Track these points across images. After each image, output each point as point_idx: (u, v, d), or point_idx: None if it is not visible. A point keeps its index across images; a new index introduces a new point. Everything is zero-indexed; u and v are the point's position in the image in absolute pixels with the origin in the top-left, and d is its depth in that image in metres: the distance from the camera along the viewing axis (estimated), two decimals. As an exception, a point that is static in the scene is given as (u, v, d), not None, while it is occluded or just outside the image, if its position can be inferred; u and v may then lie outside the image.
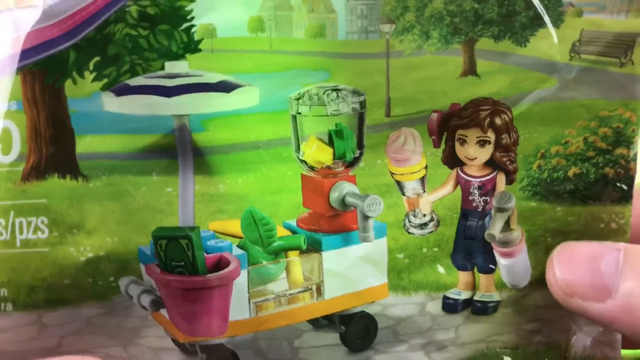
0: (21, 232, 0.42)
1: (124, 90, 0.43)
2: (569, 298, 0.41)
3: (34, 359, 0.40)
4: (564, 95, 0.44)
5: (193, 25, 0.43)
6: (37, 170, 0.43)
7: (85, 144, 0.43)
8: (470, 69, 0.44)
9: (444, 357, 0.45)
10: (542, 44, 0.43)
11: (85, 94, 0.43)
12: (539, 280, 0.47)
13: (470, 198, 0.46)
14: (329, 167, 0.46)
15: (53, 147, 0.43)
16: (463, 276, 0.47)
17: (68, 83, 0.42)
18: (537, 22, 0.43)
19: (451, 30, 0.44)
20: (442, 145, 0.46)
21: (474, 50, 0.44)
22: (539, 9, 0.43)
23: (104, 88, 0.43)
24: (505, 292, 0.47)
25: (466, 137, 0.45)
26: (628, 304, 0.38)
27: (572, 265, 0.41)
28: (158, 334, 0.45)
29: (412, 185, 0.46)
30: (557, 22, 0.43)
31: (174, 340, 0.46)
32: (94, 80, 0.43)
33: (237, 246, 0.45)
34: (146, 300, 0.43)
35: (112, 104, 0.43)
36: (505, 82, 0.44)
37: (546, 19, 0.43)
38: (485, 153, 0.45)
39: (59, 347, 0.44)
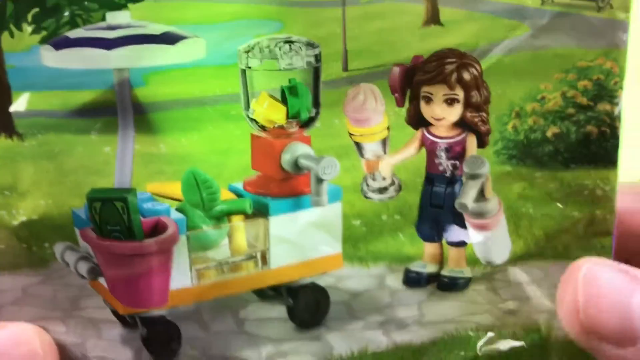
0: None
1: (63, 43, 0.37)
2: (589, 339, 0.32)
3: None
4: (536, 44, 0.36)
5: None
6: None
7: (20, 102, 0.37)
8: (433, 18, 0.36)
9: (405, 338, 0.35)
10: None
11: (23, 47, 0.37)
12: (518, 256, 0.38)
13: (436, 161, 0.37)
14: (281, 127, 0.38)
15: None
16: (429, 248, 0.38)
17: (5, 36, 0.37)
18: (506, -37, 0.35)
19: (411, -25, 0.36)
20: (406, 104, 0.37)
21: (436, -4, 0.36)
22: None
23: (43, 41, 0.37)
24: (479, 269, 0.37)
25: (432, 94, 0.36)
26: None
27: (599, 305, 0.32)
28: (97, 304, 0.38)
29: (372, 147, 0.38)
30: (529, -40, 0.35)
31: (114, 312, 0.38)
32: (32, 32, 0.37)
33: (176, 209, 0.37)
34: (83, 268, 0.36)
35: (51, 58, 0.37)
36: (471, 31, 0.36)
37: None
38: (454, 112, 0.37)
39: None
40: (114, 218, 0.35)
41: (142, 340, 0.36)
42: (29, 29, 0.37)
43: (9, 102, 0.37)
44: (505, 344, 0.35)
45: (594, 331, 0.32)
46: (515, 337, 0.36)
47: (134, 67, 0.37)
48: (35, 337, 0.35)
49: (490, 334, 0.35)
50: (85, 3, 0.37)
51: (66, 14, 0.37)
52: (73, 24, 0.37)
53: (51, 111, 0.38)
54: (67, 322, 0.37)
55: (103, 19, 0.37)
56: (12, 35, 0.37)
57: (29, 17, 0.37)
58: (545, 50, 0.36)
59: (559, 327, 0.34)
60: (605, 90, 0.35)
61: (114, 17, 0.37)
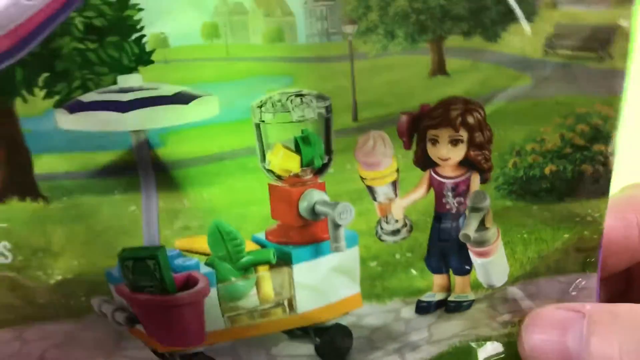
0: None
1: (77, 107, 0.36)
2: None
3: None
4: (538, 93, 0.36)
5: (143, 36, 0.36)
6: None
7: (42, 164, 0.37)
8: (440, 68, 0.36)
9: (417, 357, 0.39)
10: (515, 39, 0.35)
11: (37, 112, 0.36)
12: (515, 277, 0.40)
13: (444, 200, 0.39)
14: (297, 175, 0.38)
15: (10, 169, 0.37)
16: (438, 279, 0.41)
17: (18, 101, 0.36)
18: (508, 17, 0.35)
19: (417, 29, 0.36)
20: (414, 147, 0.38)
21: (442, 48, 0.36)
22: (510, 2, 0.35)
23: (57, 105, 0.36)
24: (482, 292, 0.40)
25: (438, 137, 0.37)
26: None
27: (541, 339, 0.36)
28: (138, 345, 0.40)
29: (383, 190, 0.39)
30: (530, 15, 0.35)
31: (154, 351, 0.39)
32: (45, 97, 0.36)
33: (205, 263, 0.38)
34: (121, 317, 0.37)
35: (66, 121, 0.36)
36: (476, 81, 0.36)
37: (518, 12, 0.35)
38: (459, 152, 0.38)
39: None
40: (146, 275, 0.36)
41: (182, 374, 0.37)
42: (41, 93, 0.36)
43: (30, 165, 0.37)
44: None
45: (533, 356, 0.35)
46: (510, 345, 0.39)
47: (150, 128, 0.36)
48: None
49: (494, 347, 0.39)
50: (96, 67, 0.36)
51: (77, 78, 0.36)
52: (85, 88, 0.36)
53: (72, 173, 0.38)
54: (113, 360, 0.37)
55: (114, 82, 0.36)
56: (25, 100, 0.36)
57: (40, 81, 0.36)
58: (546, 98, 0.37)
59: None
60: (602, 133, 0.37)
61: (126, 81, 0.36)
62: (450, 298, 0.40)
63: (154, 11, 0.34)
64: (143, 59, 0.36)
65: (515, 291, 0.40)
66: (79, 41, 0.36)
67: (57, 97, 0.37)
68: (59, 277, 0.38)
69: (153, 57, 0.36)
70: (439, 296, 0.40)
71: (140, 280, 0.36)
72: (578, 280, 0.39)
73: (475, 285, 0.40)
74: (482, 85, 0.36)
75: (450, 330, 0.39)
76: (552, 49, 0.35)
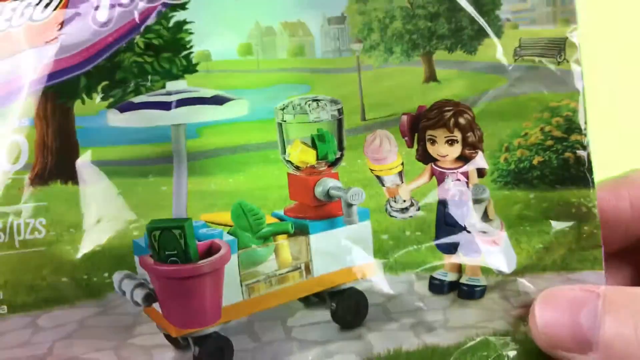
0: (19, 234, 0.39)
1: (128, 107, 0.42)
2: (552, 350, 0.35)
3: None
4: (515, 91, 0.44)
5: (191, 52, 0.43)
6: (40, 177, 0.40)
7: (87, 155, 0.41)
8: (431, 76, 0.44)
9: (434, 340, 0.38)
10: (489, 50, 0.44)
11: (92, 112, 0.42)
12: (524, 267, 0.42)
13: (446, 187, 0.43)
14: (312, 167, 0.43)
15: (58, 157, 0.41)
16: (449, 258, 0.42)
17: (77, 103, 0.42)
18: (482, 34, 0.44)
19: (411, 46, 0.45)
20: (415, 145, 0.44)
21: (432, 60, 0.44)
22: (481, 23, 0.45)
23: (110, 106, 0.42)
24: (492, 278, 0.41)
25: (435, 137, 0.44)
26: (609, 356, 0.33)
27: (553, 317, 0.35)
28: (151, 330, 0.39)
29: (390, 178, 0.43)
30: (498, 33, 0.44)
31: (167, 336, 0.39)
32: (101, 100, 0.42)
33: (228, 233, 0.41)
34: (139, 294, 0.38)
35: (116, 119, 0.42)
36: (462, 85, 0.44)
37: (488, 30, 0.45)
38: (455, 150, 0.43)
39: (49, 355, 0.38)
40: (171, 244, 0.37)
41: None
42: (98, 97, 0.42)
43: (77, 156, 0.41)
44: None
45: (553, 343, 0.34)
46: (527, 341, 0.38)
47: (189, 122, 0.42)
48: None
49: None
50: (149, 76, 0.43)
51: (132, 84, 0.42)
52: (137, 93, 0.42)
53: (113, 161, 0.42)
54: (120, 353, 0.38)
55: (163, 87, 0.43)
56: (83, 102, 0.41)
57: (99, 88, 0.42)
58: (522, 95, 0.43)
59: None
60: (575, 124, 0.43)
61: (173, 85, 0.43)
62: (462, 280, 0.41)
63: (202, 34, 0.44)
64: (189, 69, 0.44)
65: (526, 284, 0.41)
66: (139, 56, 0.43)
67: (111, 100, 0.43)
68: (86, 251, 0.40)
69: (197, 68, 0.43)
70: (451, 276, 0.42)
71: (165, 249, 0.38)
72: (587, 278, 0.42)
73: (485, 270, 0.42)
74: (467, 89, 0.44)
75: (465, 318, 0.40)
76: (520, 57, 0.45)
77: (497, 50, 0.43)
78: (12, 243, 0.38)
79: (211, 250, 0.39)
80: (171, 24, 0.42)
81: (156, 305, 0.38)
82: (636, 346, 0.31)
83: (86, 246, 0.39)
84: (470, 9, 0.43)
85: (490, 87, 0.42)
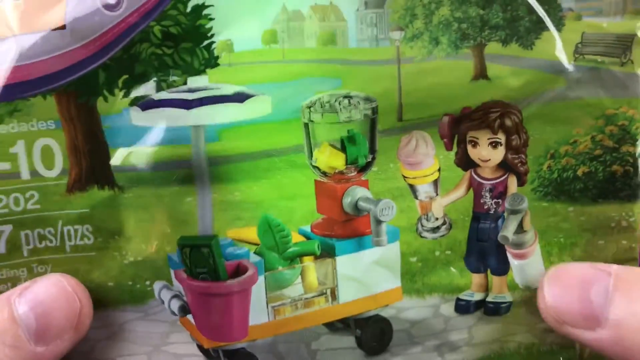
0: (70, 239, 0.39)
1: (148, 105, 0.39)
2: (560, 325, 0.34)
3: None
4: (571, 95, 0.38)
5: (213, 42, 0.38)
6: (79, 183, 0.39)
7: (117, 158, 0.39)
8: (481, 73, 0.38)
9: (457, 358, 0.38)
10: (547, 46, 0.37)
11: (116, 110, 0.39)
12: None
13: (482, 201, 0.39)
14: (341, 173, 0.39)
15: (91, 161, 0.39)
16: (476, 278, 0.41)
17: (100, 101, 0.38)
18: (540, 26, 0.37)
19: (459, 36, 0.38)
20: (455, 148, 0.39)
21: (483, 54, 0.38)
22: (540, 14, 0.37)
23: (132, 103, 0.38)
24: (518, 293, 0.40)
25: (477, 139, 0.39)
26: (617, 334, 0.32)
27: (562, 292, 0.34)
28: (185, 340, 0.40)
29: (424, 189, 0.39)
30: (558, 25, 0.37)
31: (199, 346, 0.40)
32: (123, 97, 0.39)
33: (254, 253, 0.39)
34: (175, 305, 0.38)
35: (138, 117, 0.38)
36: (515, 85, 0.38)
37: (548, 22, 0.37)
38: (498, 154, 0.39)
39: (91, 353, 0.39)
40: (201, 262, 0.37)
41: (224, 372, 0.36)
42: (120, 93, 0.38)
43: (108, 158, 0.38)
44: None
45: (560, 317, 0.34)
46: (552, 354, 0.38)
47: (209, 124, 0.38)
48: (69, 287, 0.36)
49: None
50: (170, 70, 0.38)
51: (153, 80, 0.38)
52: (159, 88, 0.39)
53: (140, 166, 0.39)
54: (153, 358, 0.39)
55: (185, 83, 0.38)
56: (106, 99, 0.38)
57: (120, 83, 0.38)
58: (578, 100, 0.38)
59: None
60: (629, 135, 0.38)
61: (194, 81, 0.38)
62: (489, 299, 0.40)
63: (223, 20, 0.37)
64: (211, 62, 0.39)
65: None
66: (157, 47, 0.38)
67: (133, 97, 0.39)
68: (131, 259, 0.39)
69: (219, 61, 0.38)
70: (477, 296, 0.40)
71: (196, 266, 0.37)
72: None
73: (512, 286, 0.39)
74: (521, 89, 0.38)
75: (490, 334, 0.39)
76: (581, 54, 0.37)
77: (557, 45, 0.37)
78: (63, 247, 0.39)
79: (239, 270, 0.38)
80: (189, 8, 0.37)
81: (190, 317, 0.38)
82: None
83: (130, 254, 0.39)
84: None
85: (545, 89, 0.38)
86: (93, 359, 0.39)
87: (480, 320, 0.39)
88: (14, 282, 0.39)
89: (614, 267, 0.34)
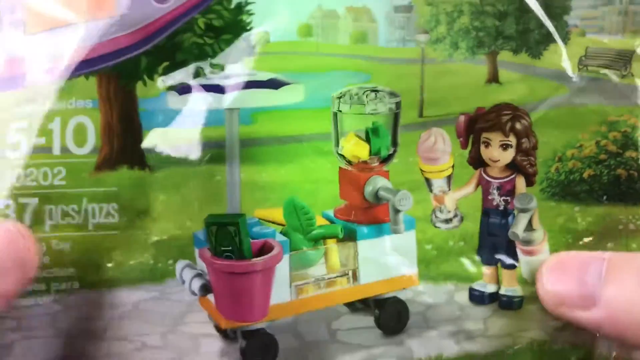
0: (93, 217, 0.39)
1: (186, 89, 0.40)
2: (558, 307, 0.36)
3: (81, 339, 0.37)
4: (575, 102, 0.41)
5: (251, 34, 0.41)
6: (108, 162, 0.40)
7: (149, 139, 0.40)
8: (494, 77, 0.42)
9: (473, 348, 0.39)
10: (554, 57, 0.41)
11: (153, 94, 0.40)
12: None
13: (490, 197, 0.42)
14: (365, 162, 0.41)
15: (123, 141, 0.40)
16: (487, 270, 0.42)
17: (139, 85, 0.40)
18: (548, 39, 0.42)
19: (476, 43, 0.42)
20: (469, 147, 0.42)
21: (496, 61, 0.42)
22: (549, 27, 0.41)
23: (170, 88, 0.40)
24: (529, 288, 0.41)
25: (490, 140, 0.42)
26: (611, 312, 0.34)
27: (560, 276, 0.37)
28: (201, 320, 0.40)
29: (439, 183, 0.42)
30: (564, 39, 0.42)
31: (217, 327, 0.40)
32: (162, 82, 0.40)
33: (280, 233, 0.40)
34: (197, 284, 0.38)
35: (175, 101, 0.40)
36: (524, 90, 0.42)
37: (556, 36, 0.41)
38: (508, 156, 0.42)
39: (105, 331, 0.39)
40: (227, 240, 0.37)
41: (240, 353, 0.38)
42: (159, 79, 0.40)
43: (141, 140, 0.40)
44: None
45: (558, 300, 0.36)
46: (563, 353, 0.39)
47: (244, 107, 0.40)
48: (11, 227, 0.35)
49: None
50: (209, 59, 0.40)
51: (192, 66, 0.40)
52: (197, 75, 0.40)
53: (172, 146, 0.40)
54: (167, 338, 0.38)
55: (222, 70, 0.40)
56: (145, 84, 0.40)
57: (160, 69, 0.40)
58: (582, 107, 0.41)
59: (602, 345, 0.38)
60: (631, 140, 0.41)
61: (231, 68, 0.40)
62: (501, 291, 0.42)
63: (262, 15, 0.40)
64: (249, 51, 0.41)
65: None
66: (199, 37, 0.40)
67: (171, 82, 0.40)
68: (155, 238, 0.39)
69: (256, 50, 0.40)
70: (490, 287, 0.41)
71: (222, 244, 0.37)
72: None
73: (522, 281, 0.41)
74: (528, 94, 0.41)
75: (504, 328, 0.40)
76: (584, 66, 0.41)
77: (563, 57, 0.40)
78: (86, 225, 0.39)
79: (264, 248, 0.38)
80: (233, 4, 0.40)
81: (210, 297, 0.38)
82: (637, 301, 0.33)
83: (155, 233, 0.39)
84: (539, 12, 0.40)
85: (551, 95, 0.41)
86: (106, 337, 0.38)
87: (495, 312, 0.40)
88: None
89: (608, 253, 0.36)
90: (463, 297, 0.41)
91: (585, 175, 0.41)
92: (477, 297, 0.41)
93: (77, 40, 0.39)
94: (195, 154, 0.39)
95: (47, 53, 0.39)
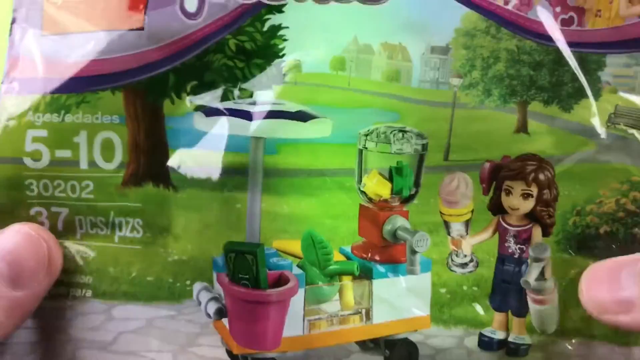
0: (120, 229, 0.39)
1: (213, 112, 0.40)
2: (602, 315, 0.36)
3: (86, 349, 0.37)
4: (600, 158, 0.41)
5: (283, 61, 0.40)
6: (135, 178, 0.40)
7: (175, 158, 0.40)
8: (523, 127, 0.41)
9: None
10: (584, 112, 0.41)
11: (180, 113, 0.40)
12: (569, 330, 0.42)
13: (506, 245, 0.42)
14: (385, 201, 0.41)
15: (150, 158, 0.40)
16: (498, 316, 0.43)
17: (166, 102, 0.39)
18: (580, 93, 0.41)
19: (509, 91, 0.41)
20: (490, 193, 0.42)
21: (526, 110, 0.41)
22: (582, 82, 0.41)
23: (197, 109, 0.40)
24: (536, 337, 0.41)
25: (512, 188, 0.41)
26: None
27: (596, 285, 0.37)
28: (214, 343, 0.40)
29: (457, 227, 0.42)
30: (596, 95, 0.41)
31: (228, 352, 0.40)
32: (190, 102, 0.40)
33: (297, 266, 0.40)
34: (212, 307, 0.38)
35: (202, 123, 0.40)
36: (551, 142, 0.41)
37: (588, 91, 0.41)
38: (528, 205, 0.42)
39: (113, 344, 0.39)
40: (245, 268, 0.37)
41: (250, 379, 0.37)
42: (187, 99, 0.39)
43: (167, 158, 0.39)
44: None
45: (598, 307, 0.36)
46: None
47: (270, 137, 0.39)
48: (33, 232, 0.36)
49: None
50: (238, 84, 0.39)
51: (221, 88, 0.39)
52: (225, 98, 0.40)
53: (196, 168, 0.40)
54: (178, 357, 0.39)
55: (250, 95, 0.40)
56: (172, 102, 0.39)
57: (188, 88, 0.39)
58: (606, 164, 0.41)
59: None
60: (651, 203, 0.41)
61: (260, 95, 0.40)
62: (510, 339, 0.42)
63: (296, 43, 0.39)
64: (278, 79, 0.40)
65: (567, 347, 0.42)
66: (229, 59, 0.40)
67: (199, 102, 0.40)
68: (175, 257, 0.40)
69: (287, 79, 0.40)
70: (499, 334, 0.42)
71: (239, 272, 0.38)
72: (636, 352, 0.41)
73: (530, 329, 0.41)
74: (555, 147, 0.41)
75: None
76: (613, 124, 0.41)
77: (592, 113, 0.40)
78: (113, 237, 0.40)
79: (280, 280, 0.39)
80: (266, 27, 0.39)
81: (225, 321, 0.39)
82: None
83: (175, 252, 0.40)
84: (574, 65, 0.39)
85: (577, 150, 0.41)
86: (112, 350, 0.38)
87: (502, 359, 0.40)
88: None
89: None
90: (472, 342, 0.41)
91: (601, 230, 0.41)
92: (486, 344, 0.41)
93: (100, 51, 0.37)
94: (217, 178, 0.39)
95: (67, 59, 0.38)
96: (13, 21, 0.39)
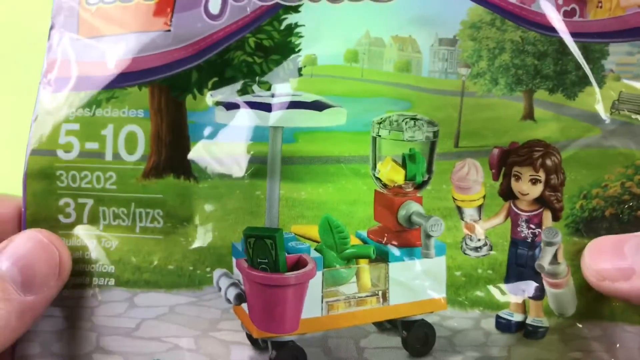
0: (141, 220, 0.40)
1: (233, 105, 0.41)
2: (601, 282, 0.38)
3: (110, 336, 0.38)
4: (605, 144, 0.42)
5: (299, 56, 0.42)
6: (156, 170, 0.41)
7: (196, 150, 0.41)
8: (529, 114, 0.43)
9: None
10: (588, 99, 0.42)
11: (202, 107, 0.41)
12: (582, 313, 0.43)
13: (518, 229, 0.43)
14: (400, 187, 0.42)
15: (171, 151, 0.41)
16: (514, 299, 0.43)
17: (189, 98, 0.41)
18: (584, 81, 0.43)
19: (515, 80, 0.43)
20: (500, 179, 0.43)
21: (532, 99, 0.43)
22: (586, 70, 0.42)
23: (217, 104, 0.41)
24: (554, 319, 0.42)
25: (521, 174, 0.43)
26: None
27: (600, 254, 0.39)
28: (234, 327, 0.40)
29: (470, 212, 0.43)
30: (600, 83, 0.43)
31: (248, 336, 0.40)
32: (211, 96, 0.41)
33: (315, 249, 0.41)
34: (232, 293, 0.39)
35: (222, 116, 0.41)
36: (557, 129, 0.43)
37: (592, 78, 0.42)
38: (536, 190, 0.43)
39: (136, 330, 0.40)
40: (264, 253, 0.38)
41: (270, 362, 0.37)
42: (208, 94, 0.41)
43: (188, 151, 0.41)
44: None
45: (601, 275, 0.38)
46: None
47: (288, 126, 0.41)
48: (45, 239, 0.37)
49: None
50: (257, 78, 0.41)
51: (240, 83, 0.41)
52: (244, 92, 0.41)
53: (217, 159, 0.41)
54: (200, 342, 0.39)
55: (269, 88, 0.41)
56: (194, 97, 0.41)
57: (209, 84, 0.41)
58: (611, 149, 0.42)
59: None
60: (655, 185, 0.42)
61: (278, 88, 0.41)
62: (528, 321, 0.43)
63: (311, 39, 0.41)
64: (295, 72, 0.41)
65: (583, 330, 0.42)
66: (249, 55, 0.42)
67: (220, 97, 0.41)
68: (196, 245, 0.40)
69: (302, 72, 0.42)
70: (517, 317, 0.42)
71: (258, 256, 0.38)
72: None
73: (548, 312, 0.42)
74: (561, 133, 0.42)
75: (526, 356, 0.41)
76: (617, 110, 0.43)
77: (596, 100, 0.41)
78: (134, 228, 0.41)
79: (299, 263, 0.39)
80: (283, 26, 0.41)
81: (244, 306, 0.39)
82: None
83: (197, 241, 0.40)
84: (577, 54, 0.41)
85: (582, 135, 0.42)
86: (136, 336, 0.39)
87: (520, 341, 0.41)
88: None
89: None
90: (489, 324, 0.42)
91: (606, 213, 0.42)
92: (503, 325, 0.42)
93: (130, 51, 0.39)
94: (238, 167, 0.40)
95: (99, 59, 0.39)
96: (51, 27, 0.41)
